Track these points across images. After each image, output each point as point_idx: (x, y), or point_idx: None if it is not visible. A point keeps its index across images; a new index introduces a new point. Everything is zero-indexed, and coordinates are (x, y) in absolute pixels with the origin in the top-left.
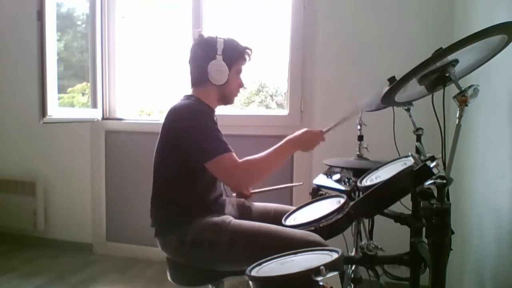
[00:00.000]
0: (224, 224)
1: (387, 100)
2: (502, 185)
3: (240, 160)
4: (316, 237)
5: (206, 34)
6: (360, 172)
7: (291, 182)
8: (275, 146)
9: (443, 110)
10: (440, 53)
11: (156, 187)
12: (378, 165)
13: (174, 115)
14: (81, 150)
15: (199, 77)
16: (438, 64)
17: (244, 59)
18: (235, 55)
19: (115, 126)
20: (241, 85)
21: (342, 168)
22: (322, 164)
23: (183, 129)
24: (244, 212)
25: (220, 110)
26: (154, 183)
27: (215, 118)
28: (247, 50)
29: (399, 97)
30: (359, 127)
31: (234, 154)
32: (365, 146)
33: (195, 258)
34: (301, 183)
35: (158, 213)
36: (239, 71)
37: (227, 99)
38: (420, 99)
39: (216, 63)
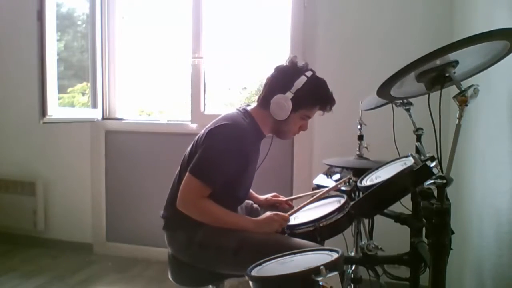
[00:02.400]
0: (234, 229)
1: (383, 92)
2: (502, 185)
3: (204, 200)
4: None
5: (303, 61)
6: (360, 172)
7: (291, 181)
8: (240, 216)
9: (439, 110)
10: (437, 51)
11: (179, 180)
12: (378, 165)
13: (215, 125)
14: (81, 150)
15: (263, 100)
16: (438, 62)
17: (321, 109)
18: (307, 101)
19: (115, 126)
20: (302, 129)
21: (342, 168)
22: (322, 164)
23: (206, 140)
24: (252, 215)
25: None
26: (179, 175)
27: (259, 145)
28: (327, 103)
29: (396, 91)
30: (359, 126)
31: (208, 190)
32: (365, 145)
33: (200, 260)
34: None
35: (172, 206)
36: (307, 117)
37: (281, 135)
38: (420, 98)
39: (282, 98)
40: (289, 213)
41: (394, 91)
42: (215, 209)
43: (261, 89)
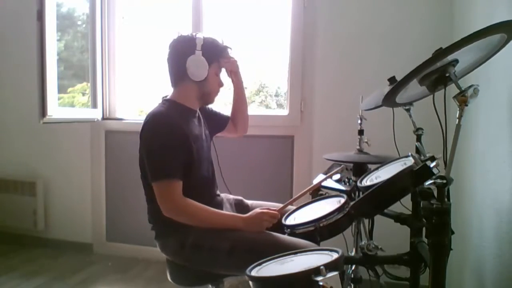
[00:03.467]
0: (224, 229)
1: (388, 101)
2: (502, 185)
3: (184, 200)
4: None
5: (186, 32)
6: (361, 167)
7: (291, 179)
8: (226, 213)
9: (444, 110)
10: (440, 53)
11: (147, 192)
12: (378, 162)
13: (144, 125)
14: (81, 150)
15: (178, 74)
16: (438, 64)
17: (224, 58)
18: (215, 52)
19: (115, 126)
20: (220, 85)
21: (343, 162)
22: (322, 162)
23: (143, 143)
24: (242, 211)
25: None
26: (144, 188)
27: (195, 121)
28: (227, 49)
29: (400, 98)
30: (359, 121)
31: (177, 183)
32: (366, 140)
33: (195, 262)
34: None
35: (155, 217)
36: (219, 70)
37: (207, 98)
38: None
39: (195, 58)
40: (279, 209)
41: (399, 98)
42: (201, 210)
43: (261, 89)
